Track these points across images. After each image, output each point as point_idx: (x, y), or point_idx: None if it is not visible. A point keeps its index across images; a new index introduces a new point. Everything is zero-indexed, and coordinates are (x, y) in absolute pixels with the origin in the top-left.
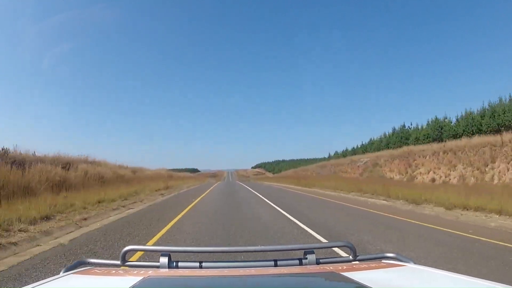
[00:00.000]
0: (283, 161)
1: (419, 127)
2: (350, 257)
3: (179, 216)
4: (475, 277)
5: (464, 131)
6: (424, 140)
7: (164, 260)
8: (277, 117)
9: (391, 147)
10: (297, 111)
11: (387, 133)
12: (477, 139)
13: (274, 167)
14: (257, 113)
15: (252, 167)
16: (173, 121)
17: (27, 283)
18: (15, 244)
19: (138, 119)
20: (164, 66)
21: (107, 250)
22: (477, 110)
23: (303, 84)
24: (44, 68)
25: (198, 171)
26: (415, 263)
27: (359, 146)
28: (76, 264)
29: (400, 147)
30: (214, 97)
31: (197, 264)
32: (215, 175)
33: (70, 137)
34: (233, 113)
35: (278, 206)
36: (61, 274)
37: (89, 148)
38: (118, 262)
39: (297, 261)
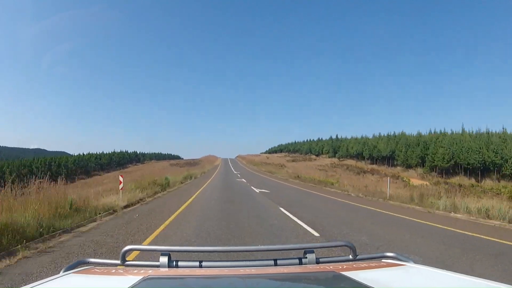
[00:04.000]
0: (343, 139)
1: None
2: (350, 256)
3: None
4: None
5: None
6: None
7: (164, 259)
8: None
9: None
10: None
11: None
12: None
13: (331, 147)
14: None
15: (263, 152)
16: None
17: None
18: None
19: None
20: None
21: None
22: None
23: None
24: None
25: (181, 158)
26: (415, 263)
27: None
28: (76, 263)
29: None
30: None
31: (197, 264)
32: (194, 163)
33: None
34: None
35: None
36: (61, 273)
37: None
38: (118, 262)
39: (297, 261)
